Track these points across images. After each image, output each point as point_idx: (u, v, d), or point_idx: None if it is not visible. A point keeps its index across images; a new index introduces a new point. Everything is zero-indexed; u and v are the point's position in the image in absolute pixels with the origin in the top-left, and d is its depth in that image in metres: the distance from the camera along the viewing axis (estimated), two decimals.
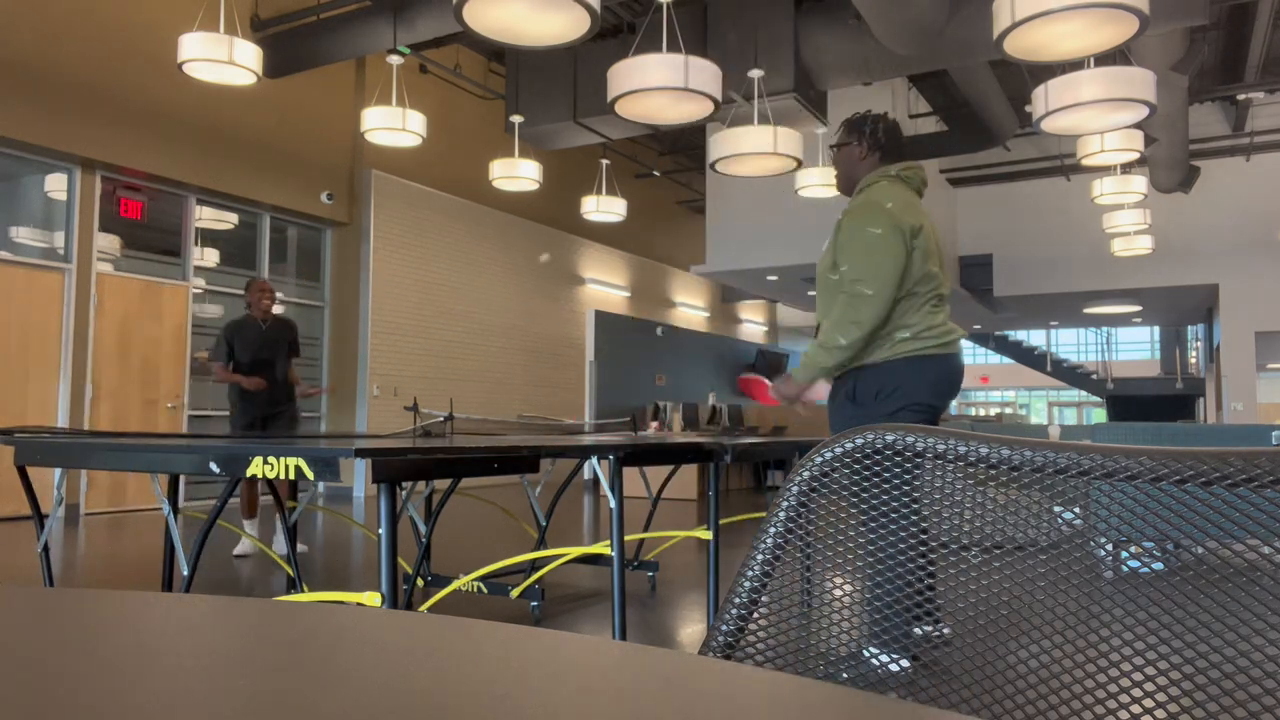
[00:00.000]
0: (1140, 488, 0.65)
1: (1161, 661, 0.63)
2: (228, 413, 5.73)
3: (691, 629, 3.75)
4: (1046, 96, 5.16)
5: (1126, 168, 11.82)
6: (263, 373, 5.57)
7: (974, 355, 31.57)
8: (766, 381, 3.07)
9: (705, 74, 5.00)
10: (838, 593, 0.78)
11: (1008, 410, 33.51)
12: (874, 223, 2.89)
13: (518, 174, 7.62)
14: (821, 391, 3.07)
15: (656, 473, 11.26)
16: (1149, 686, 0.63)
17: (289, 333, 5.77)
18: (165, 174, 8.43)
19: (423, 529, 3.74)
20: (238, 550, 5.52)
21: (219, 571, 5.00)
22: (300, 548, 5.63)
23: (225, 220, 9.39)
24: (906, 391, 2.88)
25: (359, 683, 0.41)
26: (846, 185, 3.19)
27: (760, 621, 0.76)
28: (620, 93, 5.03)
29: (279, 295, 9.91)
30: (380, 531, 2.15)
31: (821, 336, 2.91)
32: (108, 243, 8.27)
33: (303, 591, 3.57)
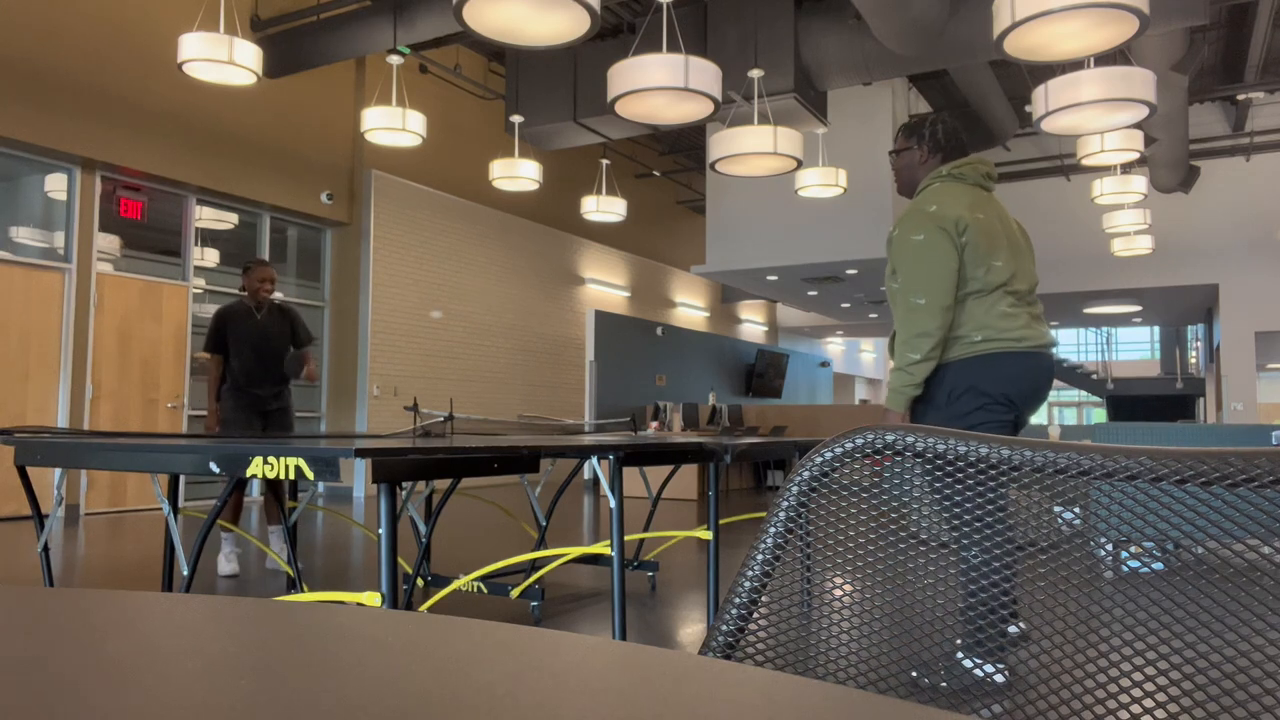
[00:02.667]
0: (1140, 488, 0.65)
1: (1161, 661, 0.63)
2: (204, 412, 5.20)
3: (691, 629, 3.75)
4: (1046, 96, 5.16)
5: (1126, 168, 11.83)
6: (263, 368, 5.08)
7: None
8: None
9: (705, 74, 5.00)
10: (838, 593, 0.78)
11: None
12: (916, 229, 2.85)
13: (518, 174, 7.62)
14: None
15: (656, 473, 11.26)
16: (1149, 686, 0.63)
17: (289, 321, 5.23)
18: (165, 174, 8.43)
19: (423, 529, 3.74)
20: (226, 570, 4.90)
21: (219, 572, 4.99)
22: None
23: (225, 220, 9.39)
24: (979, 390, 2.80)
25: (359, 683, 0.41)
26: (908, 190, 3.15)
27: (760, 621, 0.76)
28: (620, 93, 5.03)
29: (280, 296, 9.92)
30: (380, 531, 2.15)
31: (896, 359, 2.87)
32: (108, 243, 8.27)
33: (303, 591, 3.57)
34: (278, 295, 9.85)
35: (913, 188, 3.13)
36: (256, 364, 5.08)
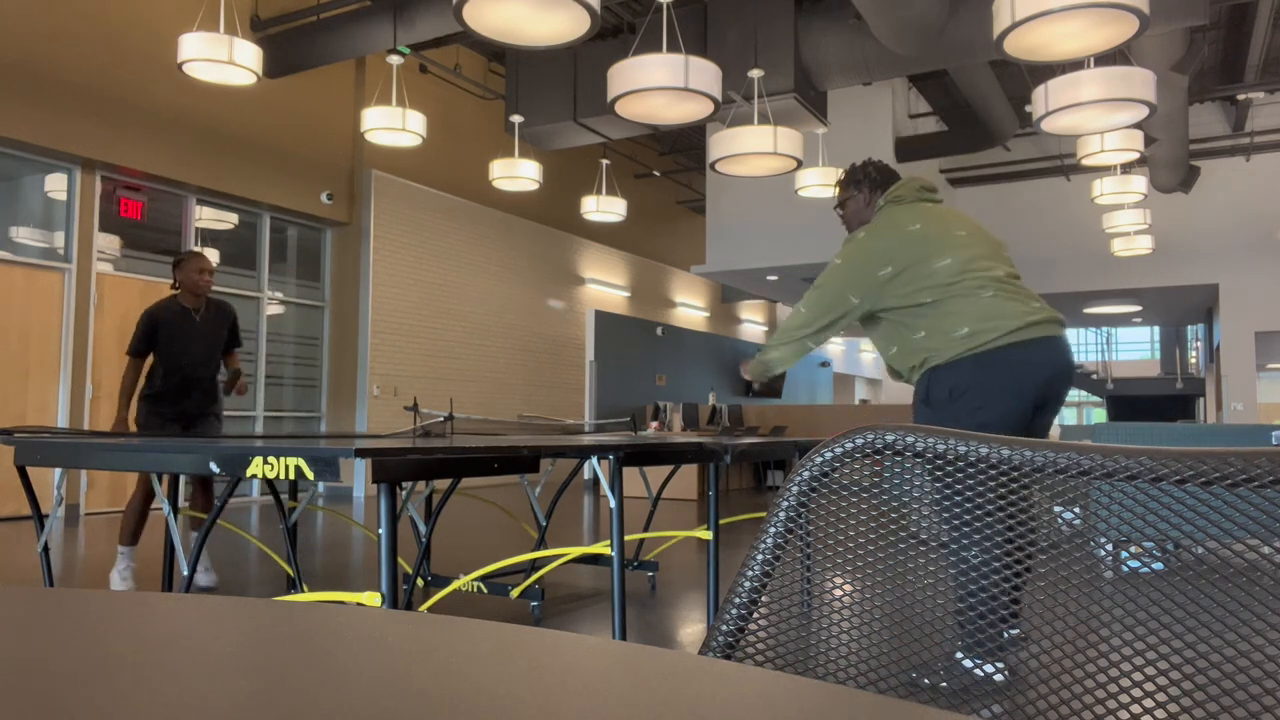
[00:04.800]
0: (1140, 488, 0.65)
1: (1161, 661, 0.63)
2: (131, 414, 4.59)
3: (691, 629, 3.75)
4: (1046, 96, 5.16)
5: (1126, 168, 11.82)
6: (196, 378, 4.52)
7: None
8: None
9: (705, 74, 5.00)
10: (838, 593, 0.78)
11: None
12: (840, 253, 3.05)
13: (518, 174, 7.62)
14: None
15: (656, 473, 11.26)
16: (1149, 686, 0.63)
17: (227, 320, 4.64)
18: (165, 174, 8.43)
19: (423, 529, 3.74)
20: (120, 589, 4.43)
21: (219, 572, 5.00)
22: (207, 579, 4.56)
23: (225, 220, 9.39)
24: (981, 390, 2.78)
25: (359, 683, 0.41)
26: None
27: (760, 621, 0.76)
28: (620, 93, 5.03)
29: (280, 295, 9.91)
30: (380, 531, 2.15)
31: (768, 344, 3.13)
32: (108, 243, 8.27)
33: (303, 591, 3.57)
34: (278, 297, 9.85)
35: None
36: (189, 373, 4.49)
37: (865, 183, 3.19)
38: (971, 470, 0.71)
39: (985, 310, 2.80)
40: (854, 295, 2.95)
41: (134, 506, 4.38)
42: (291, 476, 2.20)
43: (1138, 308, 15.44)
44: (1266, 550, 0.60)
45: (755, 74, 7.85)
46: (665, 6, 5.86)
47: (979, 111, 10.94)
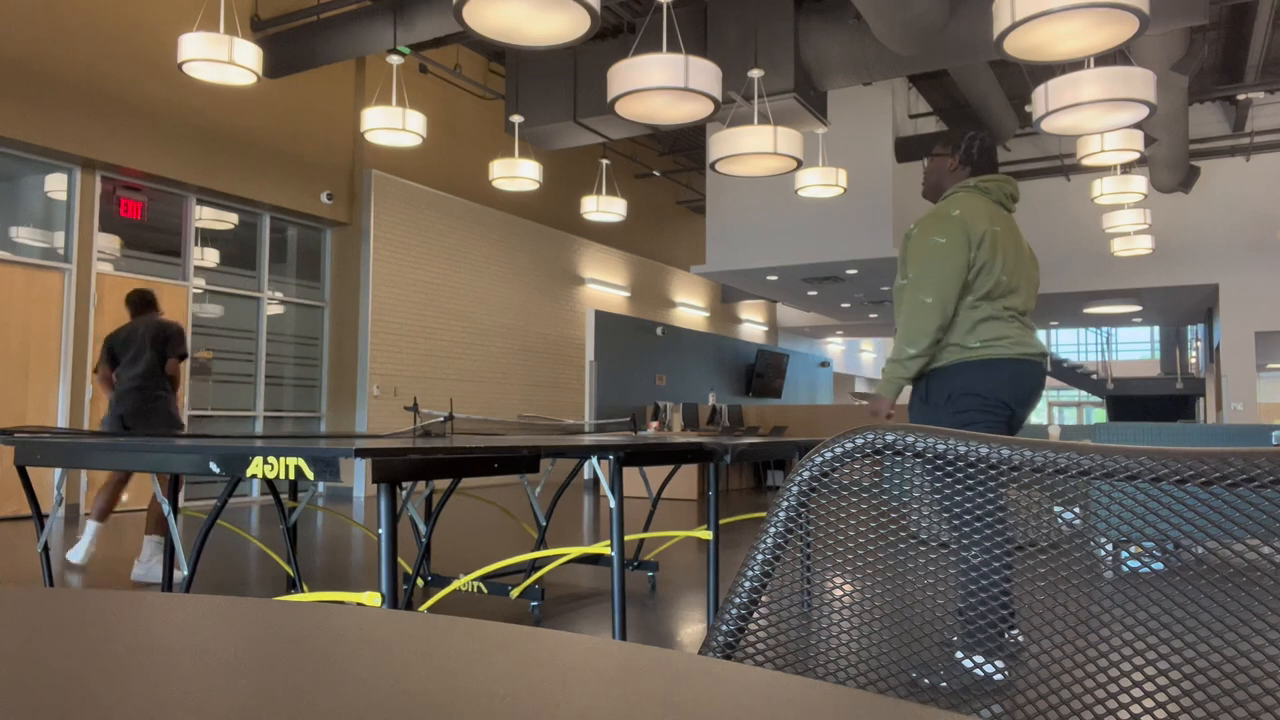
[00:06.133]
0: (1140, 488, 0.65)
1: (1161, 661, 0.63)
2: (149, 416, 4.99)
3: (691, 629, 3.75)
4: (1046, 96, 5.16)
5: (1126, 168, 11.82)
6: None
7: None
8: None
9: (705, 74, 5.00)
10: (838, 593, 0.78)
11: None
12: (939, 231, 2.97)
13: (518, 174, 7.62)
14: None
15: (656, 473, 11.26)
16: (1149, 686, 0.63)
17: None
18: (165, 174, 8.43)
19: (423, 529, 3.74)
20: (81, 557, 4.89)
21: (219, 572, 5.00)
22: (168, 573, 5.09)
23: (225, 220, 9.39)
24: (977, 393, 2.92)
25: (359, 683, 0.41)
26: (933, 194, 3.27)
27: (760, 621, 0.76)
28: (620, 93, 5.03)
29: (280, 296, 9.93)
30: (380, 531, 2.15)
31: (893, 350, 3.01)
32: (108, 243, 8.27)
33: (303, 591, 3.57)
34: (278, 297, 9.85)
35: (938, 193, 3.25)
36: None
37: (962, 154, 3.18)
38: (971, 470, 0.71)
39: (998, 330, 2.96)
40: (964, 268, 2.93)
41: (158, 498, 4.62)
42: (291, 476, 2.20)
43: (1138, 308, 15.44)
44: (1266, 550, 0.60)
45: (755, 74, 7.85)
46: (665, 6, 5.86)
47: (979, 111, 10.94)
